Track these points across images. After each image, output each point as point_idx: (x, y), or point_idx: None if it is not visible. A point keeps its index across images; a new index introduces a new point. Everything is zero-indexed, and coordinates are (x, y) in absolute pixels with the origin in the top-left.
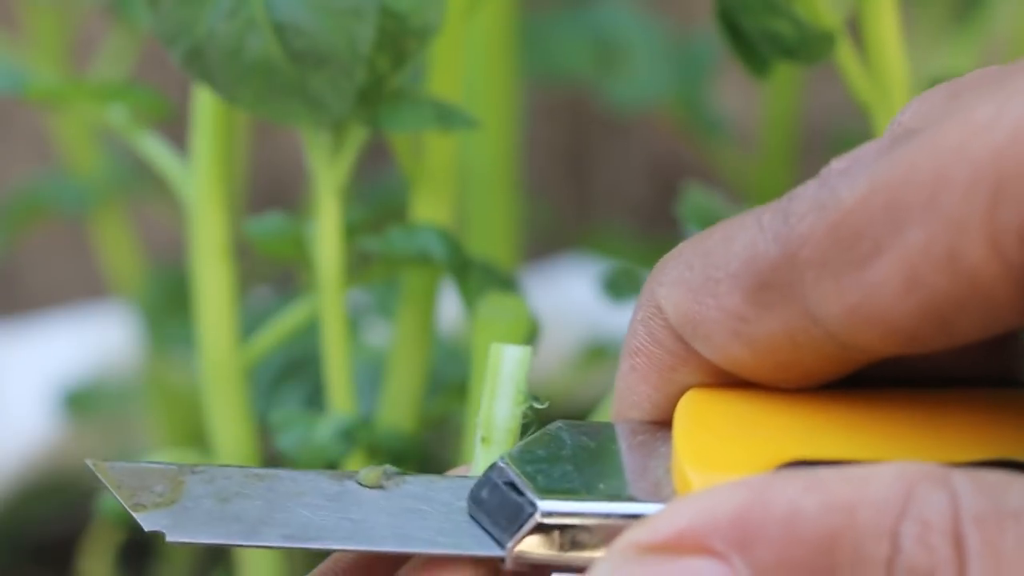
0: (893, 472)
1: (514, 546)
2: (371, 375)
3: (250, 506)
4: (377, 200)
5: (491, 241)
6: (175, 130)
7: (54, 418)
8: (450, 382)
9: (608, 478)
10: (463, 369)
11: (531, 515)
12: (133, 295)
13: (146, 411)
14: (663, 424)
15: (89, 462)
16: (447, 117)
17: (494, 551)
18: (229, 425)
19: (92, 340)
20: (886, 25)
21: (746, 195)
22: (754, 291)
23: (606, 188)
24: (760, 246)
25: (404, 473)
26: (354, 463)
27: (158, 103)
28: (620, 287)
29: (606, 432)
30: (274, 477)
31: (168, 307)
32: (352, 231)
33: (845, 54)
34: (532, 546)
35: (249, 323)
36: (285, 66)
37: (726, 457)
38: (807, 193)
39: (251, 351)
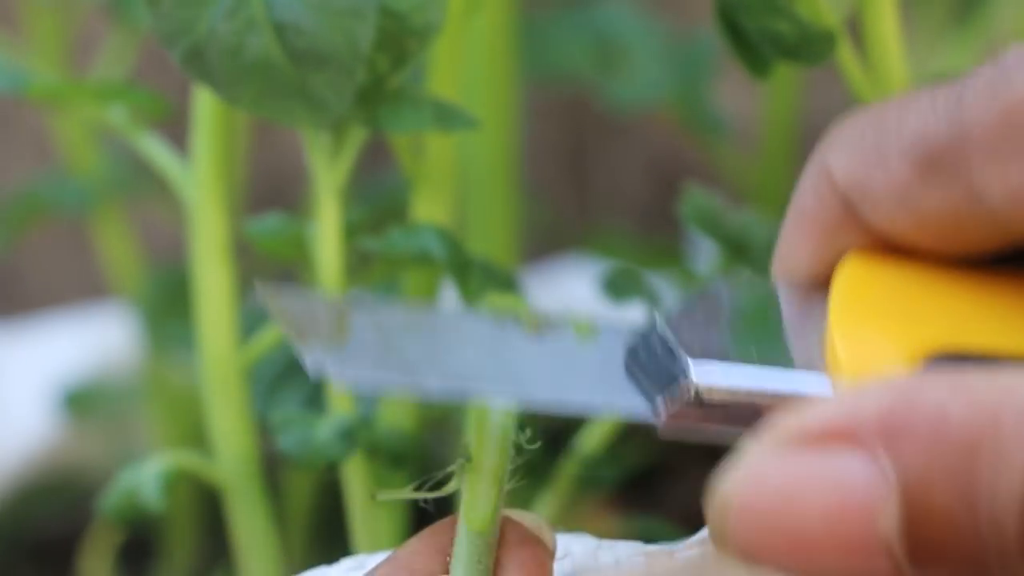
0: None
1: (666, 413)
2: None
3: (413, 345)
4: (377, 200)
5: (491, 241)
6: (175, 130)
7: (54, 418)
8: None
9: (762, 348)
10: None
11: (685, 384)
12: (133, 295)
13: (146, 411)
14: (821, 287)
15: (259, 286)
16: (447, 117)
17: (645, 415)
18: (229, 425)
19: (92, 340)
20: (886, 25)
21: (746, 195)
22: (923, 166)
23: (606, 188)
24: (931, 124)
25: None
26: (354, 463)
27: (158, 103)
28: (620, 287)
29: (764, 293)
30: (437, 315)
31: (168, 307)
32: (352, 231)
33: (845, 54)
34: (684, 413)
35: (249, 323)
36: (285, 66)
37: (877, 341)
38: (982, 77)
39: (251, 351)
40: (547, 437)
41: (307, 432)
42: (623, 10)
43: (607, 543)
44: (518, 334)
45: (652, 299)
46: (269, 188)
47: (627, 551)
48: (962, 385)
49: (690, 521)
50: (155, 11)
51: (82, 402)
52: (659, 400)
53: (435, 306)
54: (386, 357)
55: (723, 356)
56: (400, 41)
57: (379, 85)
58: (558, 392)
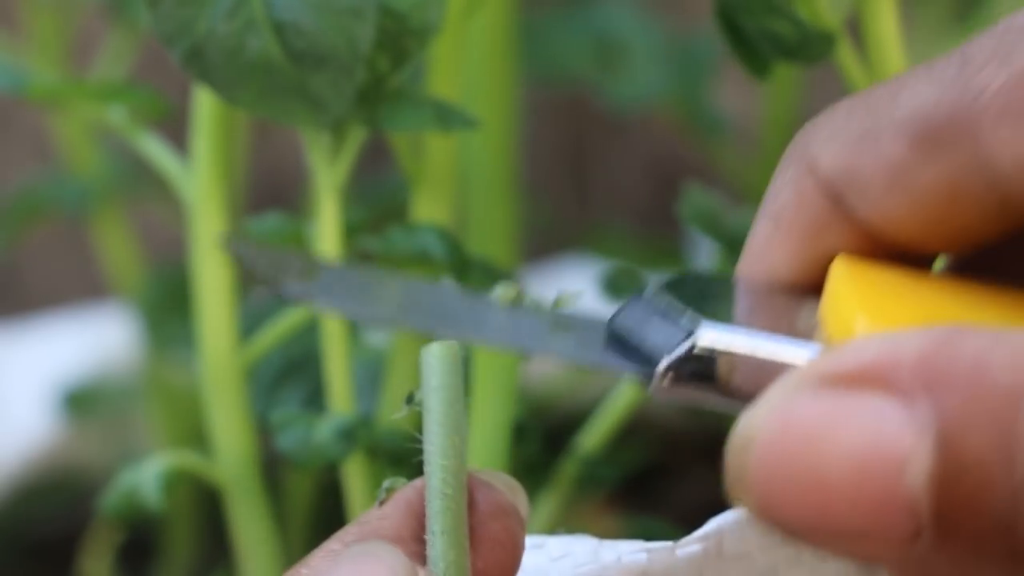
0: None
1: (667, 364)
2: (371, 375)
3: (390, 294)
4: (377, 200)
5: (491, 241)
6: (175, 130)
7: (54, 418)
8: None
9: (760, 316)
10: (463, 369)
11: (689, 336)
12: (133, 295)
13: (146, 411)
14: (796, 290)
15: (221, 238)
16: (447, 117)
17: (642, 369)
18: (229, 425)
19: (92, 340)
20: (886, 25)
21: (746, 195)
22: (921, 138)
23: (606, 188)
24: (932, 94)
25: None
26: (354, 463)
27: (158, 103)
28: (620, 287)
29: (734, 283)
30: (400, 279)
31: (168, 307)
32: (352, 231)
33: (845, 54)
34: (685, 369)
35: (249, 323)
36: (285, 66)
37: (889, 312)
38: (985, 44)
39: (251, 351)
40: (547, 437)
41: (307, 432)
42: (623, 10)
43: (608, 542)
44: (493, 304)
45: None
46: (269, 188)
47: (628, 548)
48: (1005, 336)
49: (690, 521)
50: (155, 11)
51: (82, 402)
52: (655, 357)
53: (399, 274)
54: (367, 297)
55: (724, 318)
56: (400, 41)
57: (379, 85)
58: (544, 347)
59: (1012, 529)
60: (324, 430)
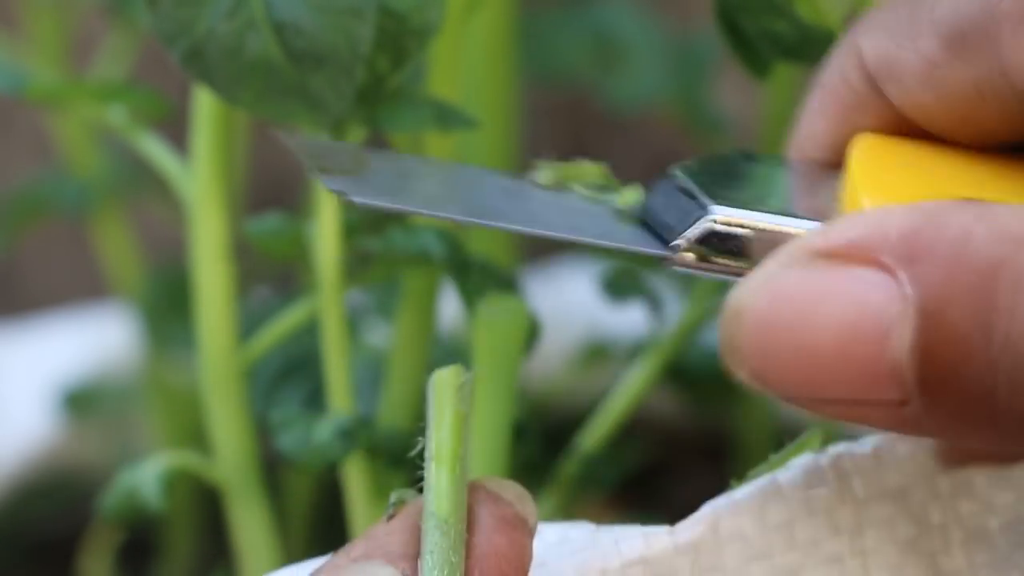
0: None
1: (682, 244)
2: (371, 375)
3: (430, 184)
4: None
5: (491, 241)
6: (175, 130)
7: (54, 418)
8: None
9: (777, 197)
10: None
11: (702, 216)
12: (133, 295)
13: (146, 411)
14: (834, 165)
15: (281, 134)
16: (447, 117)
17: (661, 249)
18: (229, 425)
19: (92, 340)
20: None
21: None
22: (951, 38)
23: None
24: (964, 1)
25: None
26: (354, 463)
27: (158, 103)
28: (620, 287)
29: (778, 162)
30: (453, 167)
31: (168, 307)
32: (352, 231)
33: None
34: (699, 248)
35: (249, 323)
36: (285, 66)
37: (898, 189)
38: None
39: (251, 351)
40: (547, 437)
41: (307, 432)
42: (623, 10)
43: (605, 528)
44: (534, 187)
45: (652, 299)
46: (269, 188)
47: (625, 533)
48: (988, 212)
49: None
50: (155, 11)
51: (82, 402)
52: (674, 234)
53: (451, 162)
54: (405, 189)
55: (740, 198)
56: (400, 41)
57: (379, 85)
58: (576, 230)
59: (991, 398)
60: (324, 430)
